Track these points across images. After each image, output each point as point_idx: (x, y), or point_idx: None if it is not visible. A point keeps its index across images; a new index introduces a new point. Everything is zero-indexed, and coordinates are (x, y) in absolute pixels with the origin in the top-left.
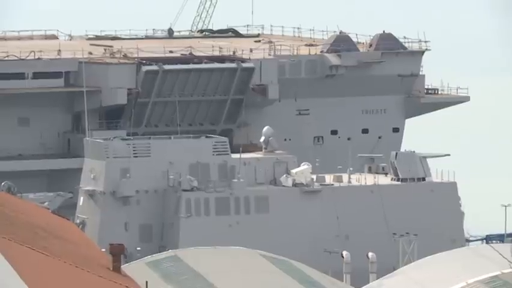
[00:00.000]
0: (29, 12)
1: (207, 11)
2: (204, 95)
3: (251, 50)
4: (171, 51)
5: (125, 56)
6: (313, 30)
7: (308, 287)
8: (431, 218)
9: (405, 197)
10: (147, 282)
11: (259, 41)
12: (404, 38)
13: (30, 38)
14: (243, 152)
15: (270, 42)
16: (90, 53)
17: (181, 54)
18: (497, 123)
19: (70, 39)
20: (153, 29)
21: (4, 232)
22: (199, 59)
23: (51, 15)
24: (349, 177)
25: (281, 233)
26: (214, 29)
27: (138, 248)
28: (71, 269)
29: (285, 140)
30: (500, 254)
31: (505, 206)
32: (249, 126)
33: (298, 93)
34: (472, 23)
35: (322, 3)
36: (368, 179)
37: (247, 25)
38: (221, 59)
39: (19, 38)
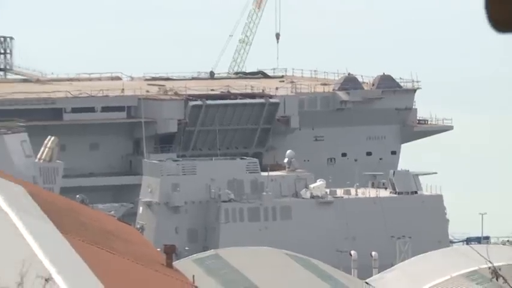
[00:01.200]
0: (97, 57)
1: (241, 57)
2: (238, 124)
3: (276, 88)
4: (212, 90)
5: (176, 94)
6: (326, 72)
7: (324, 280)
8: (422, 223)
9: (401, 206)
10: (193, 276)
11: (283, 81)
12: (400, 78)
13: (99, 79)
14: (271, 170)
15: (292, 82)
16: (148, 91)
17: (221, 92)
18: (475, 147)
19: (131, 80)
20: (198, 72)
21: (79, 235)
22: (235, 96)
23: (116, 60)
24: (356, 191)
25: (301, 236)
26: (247, 71)
27: (186, 248)
28: (132, 265)
29: (304, 160)
30: (478, 253)
31: (482, 214)
32: (275, 150)
33: (315, 123)
34: (457, 64)
35: (334, 50)
36: (371, 193)
37: (274, 68)
38: (252, 96)
39: (90, 79)
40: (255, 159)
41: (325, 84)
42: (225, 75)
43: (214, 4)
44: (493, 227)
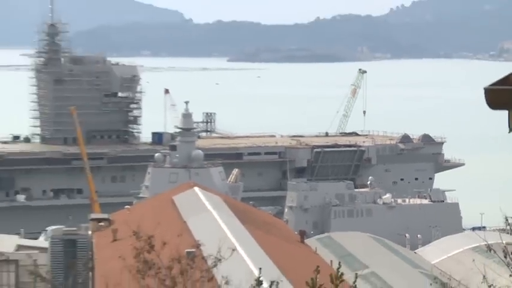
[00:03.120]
0: (261, 123)
1: (343, 124)
2: (342, 162)
3: (363, 142)
4: (327, 142)
5: (306, 145)
6: (392, 132)
7: (392, 252)
8: (446, 219)
9: (434, 209)
10: (316, 248)
11: (367, 137)
12: (434, 136)
13: (263, 136)
14: (360, 188)
15: (372, 138)
16: (290, 143)
17: (332, 143)
18: (477, 175)
19: (281, 137)
20: (319, 132)
21: (252, 225)
22: (340, 146)
23: (273, 126)
24: (409, 200)
25: (378, 226)
26: (347, 132)
27: (312, 232)
28: (281, 241)
29: (379, 183)
30: (479, 236)
31: (482, 214)
32: (362, 177)
33: (385, 161)
34: (472, 123)
35: (395, 119)
36: (417, 201)
37: (362, 130)
38: (349, 146)
39: (258, 136)
40: (351, 182)
41: (391, 139)
42: (334, 134)
43: (327, 91)
44: (488, 221)
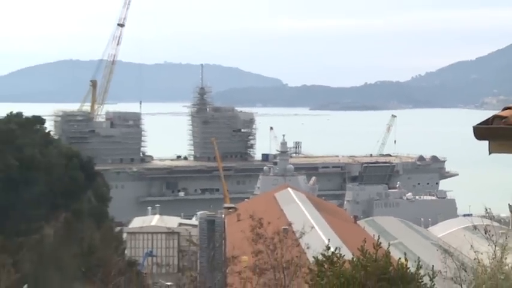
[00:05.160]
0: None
1: (382, 149)
2: (380, 172)
3: (394, 160)
4: (371, 160)
5: (358, 162)
6: (413, 154)
7: (412, 229)
8: (446, 209)
9: (439, 203)
10: (364, 226)
11: (396, 156)
12: (438, 156)
13: (329, 156)
14: (390, 189)
15: (400, 157)
16: (348, 160)
17: (375, 161)
18: (468, 181)
19: (342, 156)
20: (371, 154)
21: (323, 211)
22: (379, 162)
23: (337, 149)
24: (422, 197)
25: (403, 214)
26: (384, 153)
27: (361, 217)
28: (340, 222)
29: (404, 186)
30: (468, 220)
31: (469, 206)
32: (393, 182)
33: (408, 173)
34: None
35: (411, 145)
36: (428, 198)
37: (393, 152)
38: (384, 162)
39: (322, 156)
40: (386, 185)
41: (411, 158)
42: (376, 155)
43: (372, 128)
44: (474, 211)
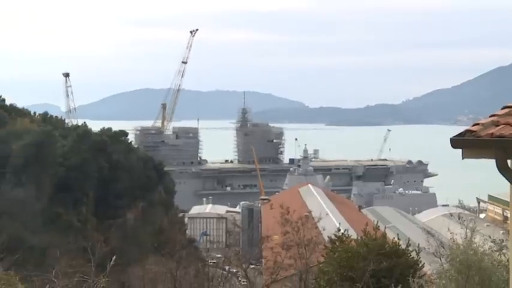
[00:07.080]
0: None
1: (380, 155)
2: (379, 173)
3: (389, 163)
4: (371, 163)
5: (362, 164)
6: (403, 159)
7: (403, 216)
8: (428, 201)
9: (423, 197)
10: (366, 214)
11: (391, 161)
12: (422, 160)
13: (340, 160)
14: (387, 185)
15: (393, 162)
16: (354, 163)
17: (375, 164)
18: (445, 180)
19: (349, 160)
20: (371, 158)
21: (336, 202)
22: (378, 165)
23: (346, 155)
24: (410, 191)
25: (398, 204)
26: (381, 158)
27: (364, 206)
28: (350, 210)
29: (396, 183)
30: (446, 209)
31: (447, 199)
32: (388, 180)
33: (400, 173)
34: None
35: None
36: (415, 192)
37: (388, 157)
38: (382, 165)
39: (334, 160)
40: (383, 182)
41: (402, 162)
42: (375, 159)
43: (372, 139)
44: (450, 202)
